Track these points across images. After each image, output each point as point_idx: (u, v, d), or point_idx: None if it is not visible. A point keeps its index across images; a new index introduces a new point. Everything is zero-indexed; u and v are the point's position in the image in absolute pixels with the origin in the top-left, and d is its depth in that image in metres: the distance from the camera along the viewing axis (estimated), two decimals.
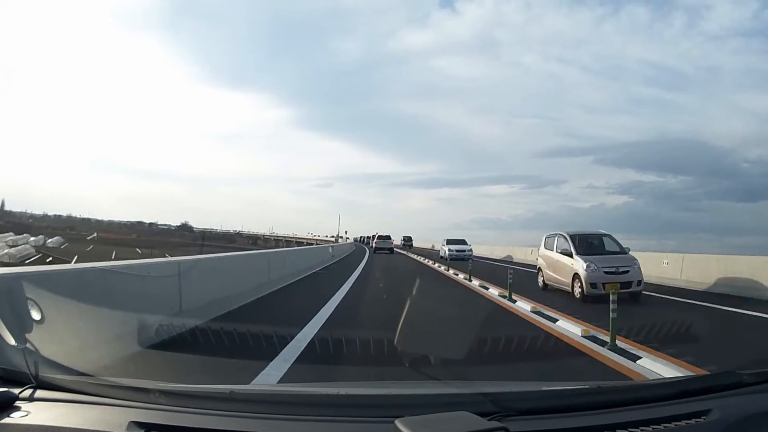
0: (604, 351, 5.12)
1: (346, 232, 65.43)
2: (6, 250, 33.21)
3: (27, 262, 28.87)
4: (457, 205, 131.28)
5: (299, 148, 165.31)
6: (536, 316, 7.56)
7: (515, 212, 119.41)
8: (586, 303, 9.31)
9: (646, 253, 14.21)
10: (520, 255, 26.97)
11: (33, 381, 1.65)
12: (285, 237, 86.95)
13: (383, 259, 27.55)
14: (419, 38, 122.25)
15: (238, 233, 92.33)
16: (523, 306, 8.48)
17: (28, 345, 1.87)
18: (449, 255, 27.17)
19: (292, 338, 4.95)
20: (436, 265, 21.42)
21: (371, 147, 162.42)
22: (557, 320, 6.99)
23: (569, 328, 6.43)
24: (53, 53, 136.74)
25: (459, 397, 1.75)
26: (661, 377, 3.92)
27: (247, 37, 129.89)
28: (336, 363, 4.30)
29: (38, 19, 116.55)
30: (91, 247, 39.19)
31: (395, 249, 39.48)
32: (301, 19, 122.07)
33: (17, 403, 1.54)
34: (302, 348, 4.74)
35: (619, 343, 5.19)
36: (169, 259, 9.57)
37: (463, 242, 29.57)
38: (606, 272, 9.61)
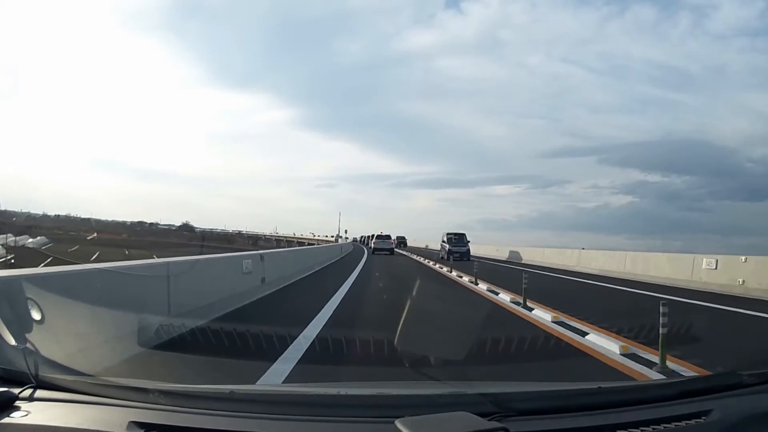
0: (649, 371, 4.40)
1: (346, 232, 65.26)
2: None
3: None
4: (461, 206, 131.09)
5: (304, 149, 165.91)
6: (559, 327, 6.67)
7: (520, 212, 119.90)
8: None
9: (672, 254, 15.07)
10: (528, 255, 26.31)
11: (33, 381, 1.65)
12: (286, 237, 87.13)
13: (382, 260, 27.34)
14: (424, 39, 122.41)
15: (238, 233, 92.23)
16: (542, 315, 7.62)
17: (28, 345, 1.88)
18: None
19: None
20: (437, 266, 20.97)
21: (376, 147, 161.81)
22: (587, 333, 6.07)
23: (604, 344, 5.39)
24: (57, 53, 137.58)
25: (459, 397, 1.76)
26: (661, 378, 3.91)
27: (252, 38, 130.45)
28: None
29: (41, 19, 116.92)
30: (76, 247, 37.19)
31: (395, 250, 39.34)
32: (306, 19, 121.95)
33: (17, 403, 1.55)
34: None
35: (670, 364, 4.49)
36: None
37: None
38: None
